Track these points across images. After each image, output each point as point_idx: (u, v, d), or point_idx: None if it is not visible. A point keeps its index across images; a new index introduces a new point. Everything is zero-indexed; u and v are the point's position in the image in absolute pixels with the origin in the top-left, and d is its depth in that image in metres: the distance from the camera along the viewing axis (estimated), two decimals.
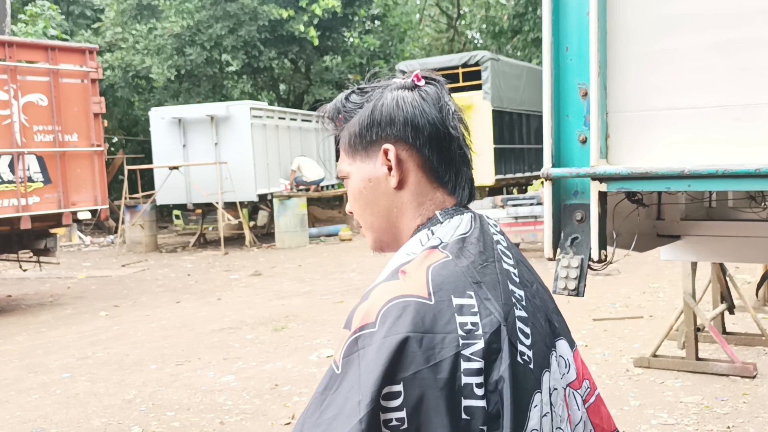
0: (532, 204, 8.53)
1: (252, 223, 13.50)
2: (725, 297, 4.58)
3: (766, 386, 3.80)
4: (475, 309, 0.88)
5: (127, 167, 13.45)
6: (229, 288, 8.11)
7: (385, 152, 1.01)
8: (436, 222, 1.01)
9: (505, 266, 0.97)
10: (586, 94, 1.71)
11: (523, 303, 0.95)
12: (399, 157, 1.01)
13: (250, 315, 6.43)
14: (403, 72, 1.24)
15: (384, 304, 0.88)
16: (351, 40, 17.71)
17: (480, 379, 0.84)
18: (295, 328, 5.88)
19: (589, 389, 1.04)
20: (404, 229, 1.04)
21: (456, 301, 0.88)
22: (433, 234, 0.99)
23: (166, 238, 14.24)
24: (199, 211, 12.94)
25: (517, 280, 0.98)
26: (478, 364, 0.85)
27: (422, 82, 1.04)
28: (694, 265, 4.10)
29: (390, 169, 1.02)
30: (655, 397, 3.73)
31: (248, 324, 6.08)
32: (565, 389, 0.98)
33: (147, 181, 14.20)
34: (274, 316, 6.34)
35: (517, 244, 7.53)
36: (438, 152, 1.02)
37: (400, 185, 1.02)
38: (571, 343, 1.04)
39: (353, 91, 1.07)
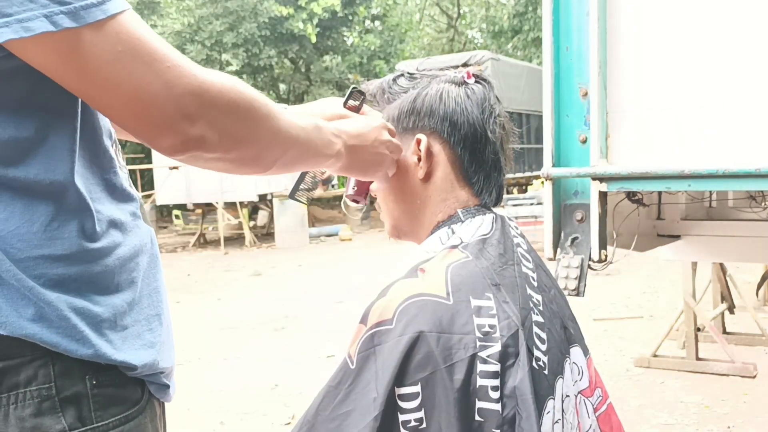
0: (532, 204, 8.54)
1: (252, 223, 13.49)
2: (725, 297, 4.58)
3: (766, 386, 3.79)
4: (494, 311, 0.87)
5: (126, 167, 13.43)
6: (229, 288, 8.11)
7: (418, 142, 1.01)
8: (457, 220, 1.00)
9: (524, 269, 0.96)
10: (586, 94, 1.72)
11: (540, 308, 0.94)
12: (430, 150, 1.01)
13: (250, 315, 6.43)
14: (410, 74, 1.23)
15: (402, 301, 0.88)
16: (351, 39, 17.71)
17: (495, 382, 0.83)
18: (295, 328, 5.88)
19: (600, 398, 1.03)
20: (425, 222, 1.03)
21: (474, 302, 0.87)
22: (453, 233, 0.98)
23: (166, 238, 14.24)
24: (199, 211, 12.93)
25: (536, 284, 0.96)
26: (494, 367, 0.84)
27: (471, 80, 1.03)
28: (694, 265, 4.10)
29: (419, 159, 1.01)
30: (655, 397, 3.73)
31: (248, 324, 6.08)
32: (576, 396, 0.97)
33: (147, 181, 14.19)
34: (274, 316, 6.34)
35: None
36: (471, 152, 1.01)
37: (427, 177, 1.01)
38: (585, 351, 1.03)
39: (402, 75, 1.07)
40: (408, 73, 1.07)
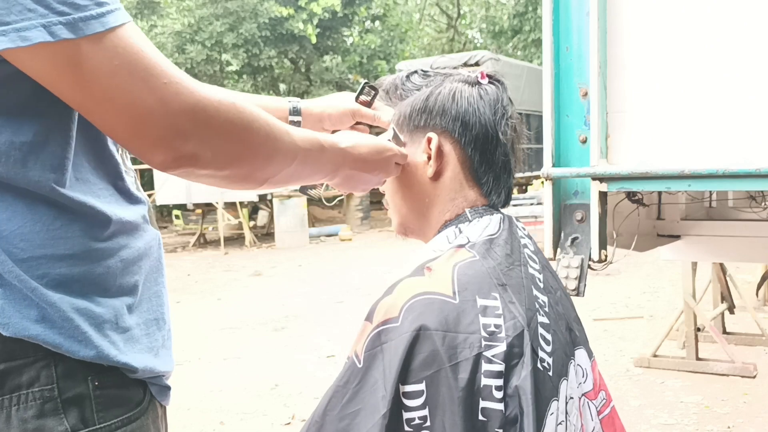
0: (532, 204, 8.53)
1: (252, 223, 13.49)
2: (725, 297, 4.58)
3: (766, 386, 3.80)
4: (499, 311, 0.87)
5: None
6: (229, 288, 8.11)
7: (428, 141, 1.01)
8: (464, 220, 1.00)
9: (531, 271, 0.96)
10: (586, 94, 1.71)
11: (546, 309, 0.93)
12: (441, 149, 1.01)
13: (250, 315, 6.43)
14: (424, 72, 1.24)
15: (408, 299, 0.87)
16: (351, 39, 17.70)
17: (500, 382, 0.83)
18: (295, 328, 5.88)
19: (604, 401, 1.03)
20: (432, 220, 1.03)
21: (480, 301, 0.87)
22: (461, 232, 0.98)
23: (166, 238, 14.23)
24: (199, 211, 12.93)
25: (542, 285, 0.96)
26: (498, 367, 0.83)
27: (485, 80, 1.03)
28: (694, 265, 4.10)
29: (429, 158, 1.01)
30: (655, 397, 3.73)
31: (248, 324, 6.08)
32: (580, 399, 0.96)
33: (147, 180, 14.19)
34: (274, 316, 6.34)
35: None
36: (481, 153, 1.01)
37: (436, 176, 1.01)
38: (590, 353, 1.03)
39: (416, 72, 1.07)
40: (422, 70, 1.07)
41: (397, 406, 0.83)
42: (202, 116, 0.73)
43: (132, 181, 0.88)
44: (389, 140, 1.04)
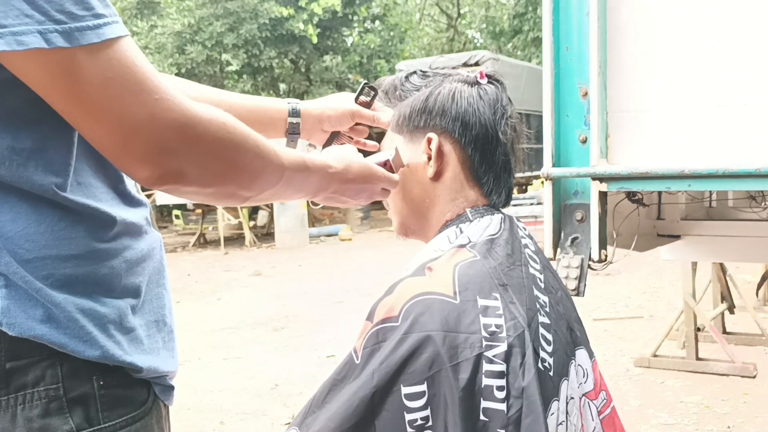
0: (532, 204, 8.53)
1: (252, 223, 13.49)
2: (725, 297, 4.58)
3: (766, 386, 3.80)
4: (500, 311, 0.87)
5: None
6: (229, 288, 8.11)
7: (428, 141, 1.01)
8: (465, 220, 1.00)
9: (532, 271, 0.96)
10: (586, 94, 1.71)
11: (547, 309, 0.93)
12: (441, 149, 1.01)
13: (250, 315, 6.43)
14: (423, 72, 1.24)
15: (408, 299, 0.87)
16: (351, 39, 17.70)
17: (501, 382, 0.83)
18: (295, 328, 5.88)
19: (605, 401, 1.03)
20: (433, 220, 1.04)
21: (481, 302, 0.87)
22: (461, 232, 0.98)
23: (166, 238, 14.23)
24: (199, 210, 12.93)
25: (543, 285, 0.96)
26: (500, 367, 0.83)
27: (484, 80, 1.03)
28: (694, 265, 4.10)
29: (429, 158, 1.01)
30: (655, 397, 3.73)
31: (248, 324, 6.08)
32: (581, 399, 0.97)
33: None
34: (274, 316, 6.33)
35: None
36: (482, 153, 1.01)
37: (437, 177, 1.02)
38: (590, 353, 1.03)
39: (415, 72, 1.07)
40: (421, 71, 1.07)
41: (398, 408, 0.83)
42: (191, 134, 0.73)
43: (133, 184, 0.88)
44: (390, 159, 1.03)
